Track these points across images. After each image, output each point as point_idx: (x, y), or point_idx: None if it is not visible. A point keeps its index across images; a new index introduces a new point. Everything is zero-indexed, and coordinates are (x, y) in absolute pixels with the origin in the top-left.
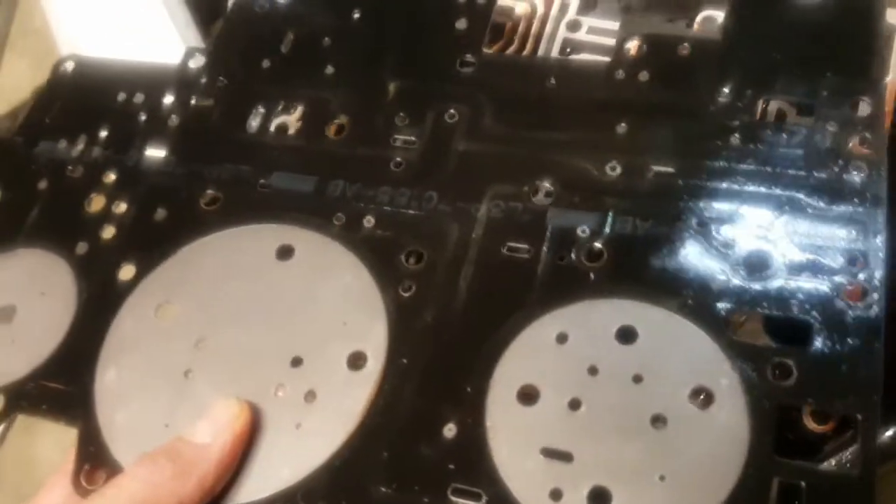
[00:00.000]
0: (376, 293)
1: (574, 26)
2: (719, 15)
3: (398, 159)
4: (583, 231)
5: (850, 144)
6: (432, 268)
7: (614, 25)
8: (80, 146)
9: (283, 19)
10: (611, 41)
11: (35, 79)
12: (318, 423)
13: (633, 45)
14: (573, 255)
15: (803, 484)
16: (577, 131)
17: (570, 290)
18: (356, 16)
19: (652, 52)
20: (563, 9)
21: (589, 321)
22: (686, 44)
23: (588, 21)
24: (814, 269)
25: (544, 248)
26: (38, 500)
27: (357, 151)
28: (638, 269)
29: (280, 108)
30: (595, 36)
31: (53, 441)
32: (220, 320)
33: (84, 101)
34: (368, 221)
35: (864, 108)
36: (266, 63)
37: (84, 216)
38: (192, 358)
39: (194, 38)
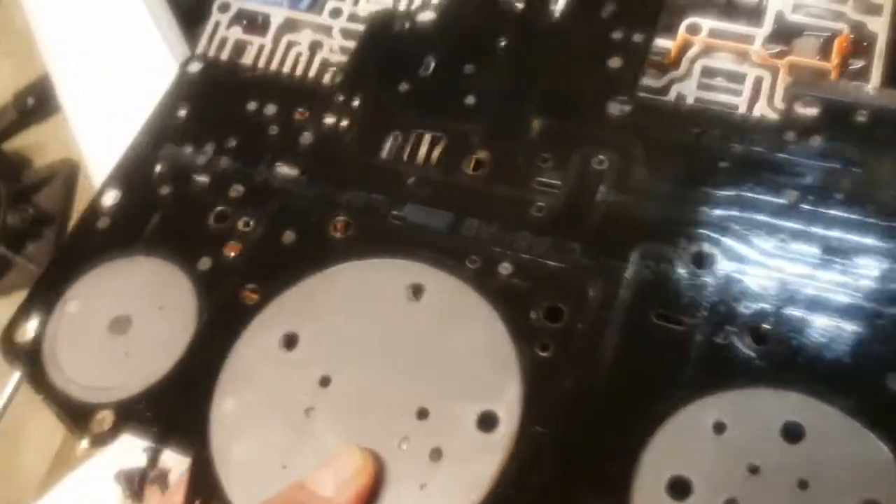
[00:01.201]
0: (511, 349)
1: None
2: (704, 21)
3: (539, 203)
4: (747, 308)
5: None
6: (573, 328)
7: None
8: (207, 154)
9: (423, 41)
10: None
11: (17, 79)
12: (444, 487)
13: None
14: (735, 334)
15: None
16: (742, 193)
17: (730, 373)
18: (502, 44)
19: (826, 116)
20: None
21: (751, 412)
22: (863, 111)
23: None
24: None
25: (701, 322)
26: None
27: (496, 190)
28: (808, 359)
29: (417, 135)
30: None
31: (37, 451)
32: (345, 358)
33: (212, 106)
34: (505, 268)
35: None
36: (404, 86)
37: (208, 229)
38: (314, 396)
39: (178, 42)
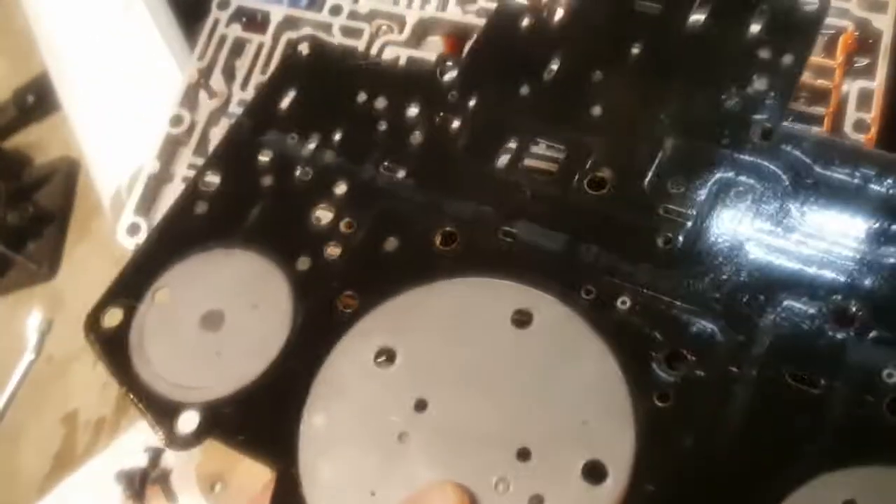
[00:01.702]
0: (625, 394)
1: None
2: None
3: (667, 234)
4: (891, 376)
5: None
6: (696, 379)
7: None
8: (312, 145)
9: (549, 41)
10: None
11: (14, 78)
12: None
13: None
14: (875, 405)
15: None
16: None
17: (867, 447)
18: (635, 51)
19: None
20: None
21: (886, 494)
22: None
23: None
24: None
25: (839, 387)
26: None
27: (617, 214)
28: None
29: (535, 145)
30: None
31: (37, 451)
32: (443, 383)
33: (319, 93)
34: (623, 303)
35: None
36: (524, 90)
37: (309, 227)
38: (409, 420)
39: (177, 39)
